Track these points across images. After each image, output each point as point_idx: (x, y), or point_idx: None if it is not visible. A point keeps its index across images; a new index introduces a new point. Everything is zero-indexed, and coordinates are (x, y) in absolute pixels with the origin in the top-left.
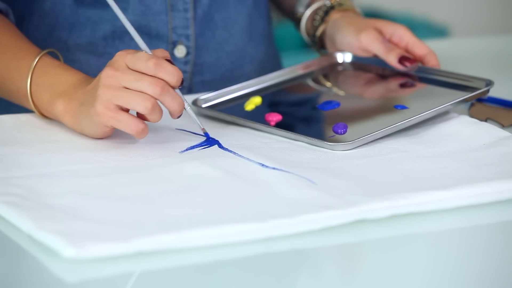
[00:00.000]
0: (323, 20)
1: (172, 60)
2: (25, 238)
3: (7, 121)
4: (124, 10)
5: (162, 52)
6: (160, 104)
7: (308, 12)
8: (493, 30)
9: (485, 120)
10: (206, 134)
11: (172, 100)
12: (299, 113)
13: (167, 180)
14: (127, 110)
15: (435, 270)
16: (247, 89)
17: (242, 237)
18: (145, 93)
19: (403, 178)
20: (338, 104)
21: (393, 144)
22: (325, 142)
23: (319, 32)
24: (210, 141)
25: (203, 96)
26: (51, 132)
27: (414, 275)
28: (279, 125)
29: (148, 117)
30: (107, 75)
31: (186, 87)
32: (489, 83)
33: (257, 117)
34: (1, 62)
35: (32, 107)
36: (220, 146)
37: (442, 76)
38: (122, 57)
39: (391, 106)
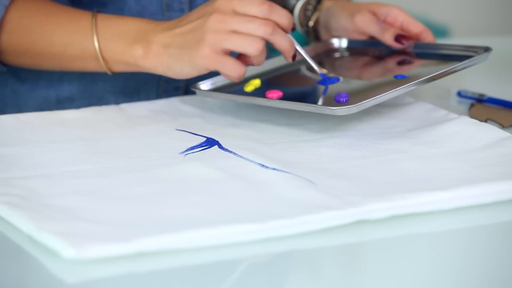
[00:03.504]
0: (315, 9)
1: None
2: (25, 238)
3: (7, 121)
4: (120, 10)
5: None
6: None
7: (300, 3)
8: (493, 30)
9: (485, 121)
10: (323, 75)
11: (283, 39)
12: (300, 89)
13: (167, 180)
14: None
15: (435, 271)
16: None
17: (242, 237)
18: (255, 36)
19: (403, 179)
20: (338, 79)
21: (393, 144)
22: (328, 107)
23: (312, 21)
24: (210, 142)
25: (202, 82)
26: (51, 133)
27: (414, 276)
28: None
29: (255, 59)
30: (216, 19)
31: (183, 87)
32: (487, 49)
33: (258, 96)
34: (59, 28)
35: (102, 64)
36: (220, 146)
37: (439, 49)
38: (229, 2)
39: (392, 77)
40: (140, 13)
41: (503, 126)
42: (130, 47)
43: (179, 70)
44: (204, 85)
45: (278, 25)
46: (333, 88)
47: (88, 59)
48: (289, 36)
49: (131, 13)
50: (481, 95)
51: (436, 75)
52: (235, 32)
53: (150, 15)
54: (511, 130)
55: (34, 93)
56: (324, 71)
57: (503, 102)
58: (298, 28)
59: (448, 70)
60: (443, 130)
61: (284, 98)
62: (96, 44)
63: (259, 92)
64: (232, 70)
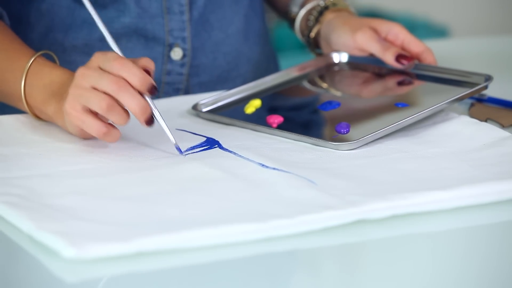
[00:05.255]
0: (317, 20)
1: (151, 71)
2: (25, 238)
3: (8, 122)
4: (121, 12)
5: (145, 61)
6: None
7: (302, 12)
8: (493, 30)
9: (485, 121)
10: (177, 148)
11: (130, 99)
12: (300, 115)
13: (167, 180)
14: (97, 113)
15: (435, 270)
16: (245, 93)
17: (242, 237)
18: (104, 92)
19: (403, 178)
20: (339, 104)
21: (393, 144)
22: (329, 142)
23: (313, 33)
24: (210, 142)
25: (202, 100)
26: (52, 133)
27: (414, 275)
28: (281, 127)
29: (107, 117)
30: (78, 74)
31: (183, 89)
32: (488, 78)
33: (258, 119)
34: None
35: (26, 109)
36: (220, 146)
37: (440, 72)
38: (96, 57)
39: (392, 104)
40: (140, 16)
41: (503, 126)
42: (47, 100)
43: (69, 129)
44: (205, 103)
45: (130, 84)
46: (333, 114)
47: (17, 101)
48: (147, 98)
49: (131, 16)
50: (481, 94)
51: (437, 106)
52: (93, 88)
53: (150, 17)
54: (511, 130)
55: None
56: (177, 144)
57: (503, 101)
58: (299, 37)
59: (447, 101)
60: (443, 129)
61: (285, 123)
62: (23, 90)
63: (260, 114)
64: (91, 128)
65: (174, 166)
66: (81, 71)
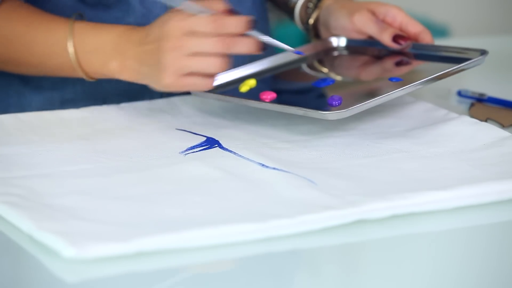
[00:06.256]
0: (316, 6)
1: (233, 9)
2: (25, 238)
3: (8, 121)
4: (125, 13)
5: (218, 4)
6: None
7: (301, 1)
8: (493, 30)
9: (485, 120)
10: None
11: (244, 46)
12: (294, 91)
13: (167, 180)
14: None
15: (435, 270)
16: (241, 74)
17: (242, 237)
18: (214, 54)
19: (403, 178)
20: (333, 81)
21: (393, 144)
22: (319, 111)
23: (312, 19)
24: (210, 142)
25: None
26: (52, 132)
27: (414, 275)
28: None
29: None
30: (170, 47)
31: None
32: (483, 52)
33: (251, 97)
34: (38, 39)
35: (82, 75)
36: (220, 146)
37: (437, 50)
38: (179, 24)
39: (386, 79)
40: (145, 16)
41: (503, 126)
42: (106, 62)
43: (154, 85)
44: None
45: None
46: (327, 90)
47: (69, 70)
48: (251, 33)
49: (135, 16)
50: (481, 94)
51: (430, 78)
52: (194, 54)
53: (154, 18)
54: (511, 130)
55: (38, 95)
56: (291, 49)
57: (503, 101)
58: (299, 25)
59: (442, 74)
60: (443, 129)
61: (278, 99)
62: (74, 57)
63: (254, 93)
64: (201, 87)
65: (174, 166)
66: (170, 44)
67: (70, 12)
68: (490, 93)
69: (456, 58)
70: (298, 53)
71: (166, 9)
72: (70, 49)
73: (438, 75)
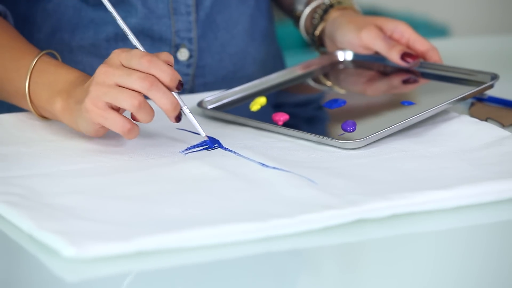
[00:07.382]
0: (322, 18)
1: (172, 65)
2: (25, 237)
3: (8, 120)
4: (127, 13)
5: (166, 56)
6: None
7: (307, 11)
8: (493, 30)
9: (486, 120)
10: (209, 138)
11: (162, 96)
12: (306, 112)
13: (168, 179)
14: (118, 109)
15: (435, 270)
16: (250, 90)
17: (242, 237)
18: (134, 90)
19: (403, 178)
20: (345, 102)
21: (394, 143)
22: (336, 140)
23: (318, 31)
24: (210, 141)
25: (208, 98)
26: (52, 132)
27: (414, 275)
28: (286, 125)
29: (136, 115)
30: (100, 71)
31: (188, 89)
32: (494, 77)
33: (263, 117)
34: (2, 62)
35: (30, 107)
36: (221, 145)
37: (445, 71)
38: (117, 55)
39: (398, 103)
40: (147, 16)
41: (503, 125)
42: (52, 98)
43: (82, 127)
44: (210, 100)
45: (160, 81)
46: (339, 112)
47: (22, 100)
48: (175, 94)
49: (138, 16)
50: (482, 94)
51: (444, 105)
52: (117, 85)
53: (157, 18)
54: (511, 129)
55: None
56: (206, 138)
57: (503, 101)
58: (304, 36)
59: (454, 99)
60: (443, 129)
61: (291, 121)
62: (27, 87)
63: (265, 112)
64: (115, 125)
65: (174, 166)
66: (103, 69)
67: (73, 11)
68: (490, 93)
69: (463, 80)
70: (210, 140)
71: (169, 9)
72: (26, 78)
73: (452, 101)
